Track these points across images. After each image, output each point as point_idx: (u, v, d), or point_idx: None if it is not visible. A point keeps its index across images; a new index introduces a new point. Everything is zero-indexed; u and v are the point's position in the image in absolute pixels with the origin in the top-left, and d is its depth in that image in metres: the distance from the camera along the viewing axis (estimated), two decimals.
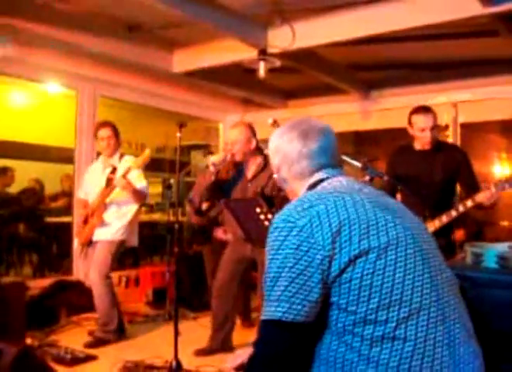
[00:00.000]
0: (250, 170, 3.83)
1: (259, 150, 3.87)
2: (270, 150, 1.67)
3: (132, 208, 4.26)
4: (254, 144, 3.79)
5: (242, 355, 1.59)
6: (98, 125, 4.40)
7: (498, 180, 3.12)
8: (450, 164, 3.44)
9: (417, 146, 3.53)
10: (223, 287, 3.86)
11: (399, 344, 1.26)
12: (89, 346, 3.92)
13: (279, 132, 1.65)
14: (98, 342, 3.98)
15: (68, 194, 6.59)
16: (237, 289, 3.93)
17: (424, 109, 3.43)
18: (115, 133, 4.29)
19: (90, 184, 4.39)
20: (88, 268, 4.20)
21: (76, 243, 4.43)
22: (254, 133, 3.82)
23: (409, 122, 3.48)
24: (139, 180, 4.13)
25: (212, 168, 3.81)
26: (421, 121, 3.39)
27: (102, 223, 4.12)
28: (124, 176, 3.94)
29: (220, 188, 3.95)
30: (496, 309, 1.92)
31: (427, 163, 3.46)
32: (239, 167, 3.97)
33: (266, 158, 3.79)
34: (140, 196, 4.16)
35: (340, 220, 1.32)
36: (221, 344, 3.84)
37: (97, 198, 4.18)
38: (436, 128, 3.42)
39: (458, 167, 3.44)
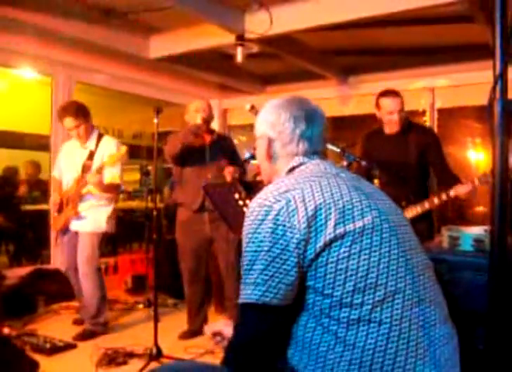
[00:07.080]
0: (207, 138, 3.96)
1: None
2: (261, 121, 1.60)
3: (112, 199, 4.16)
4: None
5: (219, 323, 1.67)
6: (59, 112, 3.99)
7: (482, 174, 3.13)
8: (422, 145, 3.46)
9: (387, 129, 3.55)
10: (193, 273, 4.00)
11: (375, 327, 1.27)
12: (79, 338, 3.84)
13: (278, 105, 1.58)
14: (87, 335, 3.92)
15: (46, 182, 6.49)
16: (205, 271, 4.10)
17: (392, 93, 3.45)
18: (83, 118, 3.94)
19: (65, 164, 4.18)
20: (64, 256, 4.12)
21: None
22: None
23: (377, 105, 3.50)
24: (111, 178, 3.97)
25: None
26: (389, 104, 3.42)
27: (77, 216, 3.99)
28: (98, 171, 3.81)
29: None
30: (470, 291, 1.96)
31: (400, 145, 3.48)
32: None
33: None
34: (112, 190, 4.06)
35: (316, 204, 1.33)
36: (199, 326, 3.91)
37: (73, 187, 4.02)
38: (403, 111, 3.44)
39: (429, 148, 3.47)
